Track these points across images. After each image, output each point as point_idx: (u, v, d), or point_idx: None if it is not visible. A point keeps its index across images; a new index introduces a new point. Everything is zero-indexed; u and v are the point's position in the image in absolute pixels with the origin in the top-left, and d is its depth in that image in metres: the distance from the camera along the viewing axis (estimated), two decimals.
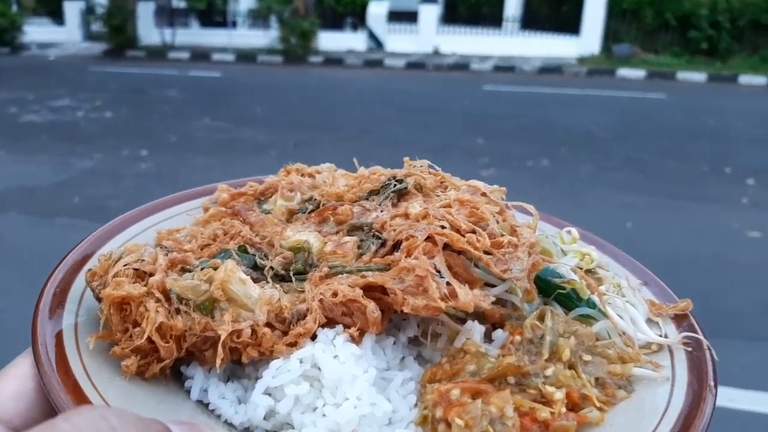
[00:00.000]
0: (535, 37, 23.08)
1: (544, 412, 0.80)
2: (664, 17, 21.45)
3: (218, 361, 0.84)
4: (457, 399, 0.80)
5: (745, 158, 9.20)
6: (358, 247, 1.00)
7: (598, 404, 0.85)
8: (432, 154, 1.20)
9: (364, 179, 1.21)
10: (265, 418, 0.84)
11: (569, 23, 22.64)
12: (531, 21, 23.93)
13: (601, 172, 8.52)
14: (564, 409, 0.82)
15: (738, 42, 20.94)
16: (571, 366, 0.90)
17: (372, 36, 23.27)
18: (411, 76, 18.59)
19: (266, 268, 0.98)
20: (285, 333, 0.89)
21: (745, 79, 18.24)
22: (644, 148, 9.80)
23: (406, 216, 1.02)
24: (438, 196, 1.12)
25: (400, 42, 23.03)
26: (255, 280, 0.94)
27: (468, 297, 0.87)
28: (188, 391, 0.88)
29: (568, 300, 1.01)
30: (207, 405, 0.87)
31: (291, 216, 1.17)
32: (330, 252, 0.99)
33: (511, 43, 22.62)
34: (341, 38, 23.45)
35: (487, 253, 0.94)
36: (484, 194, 1.09)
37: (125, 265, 0.92)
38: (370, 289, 0.91)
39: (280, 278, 0.98)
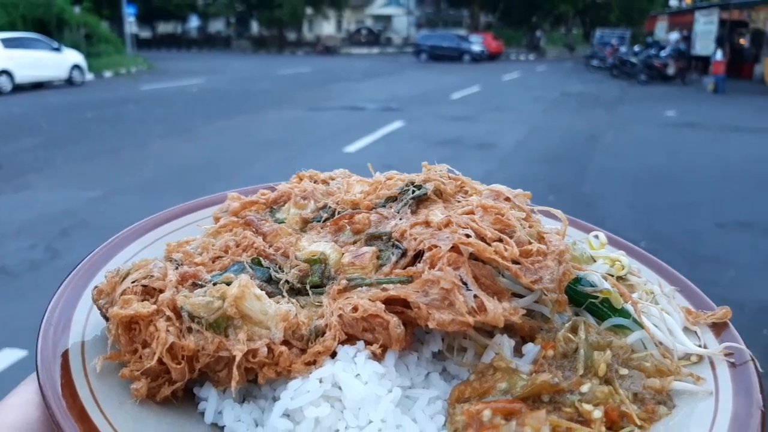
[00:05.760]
0: None
1: None
2: None
3: (233, 383, 0.79)
4: (489, 421, 0.75)
5: None
6: (378, 258, 0.95)
7: (638, 422, 0.79)
8: None
9: (381, 185, 1.15)
10: None
11: None
12: None
13: None
14: (603, 429, 0.77)
15: None
16: (607, 381, 0.84)
17: None
18: None
19: (281, 282, 0.93)
20: (303, 351, 0.84)
21: None
22: None
23: (427, 224, 0.97)
24: (459, 202, 1.07)
25: None
26: (269, 295, 0.89)
27: (498, 310, 0.81)
28: (202, 414, 0.83)
29: (601, 310, 0.95)
30: (222, 428, 0.82)
31: (305, 225, 1.12)
32: (348, 263, 0.94)
33: None
34: None
35: (515, 262, 0.89)
36: (507, 199, 1.03)
37: (133, 282, 0.87)
38: (391, 303, 0.86)
39: (296, 292, 0.93)
